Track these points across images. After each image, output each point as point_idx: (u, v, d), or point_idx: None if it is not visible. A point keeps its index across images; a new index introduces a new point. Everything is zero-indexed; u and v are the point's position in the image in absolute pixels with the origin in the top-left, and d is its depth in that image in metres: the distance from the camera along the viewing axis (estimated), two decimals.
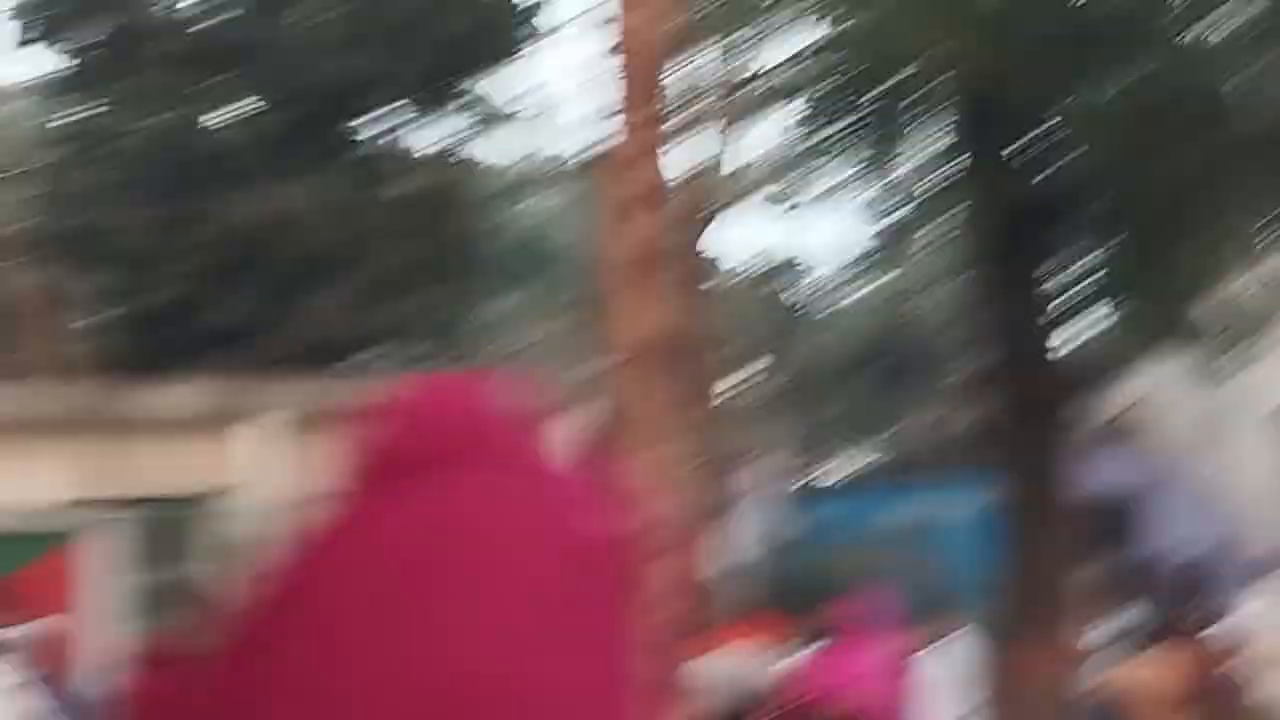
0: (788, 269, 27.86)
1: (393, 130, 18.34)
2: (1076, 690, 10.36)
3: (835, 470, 27.98)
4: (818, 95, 10.88)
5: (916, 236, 19.33)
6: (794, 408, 26.62)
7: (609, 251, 5.98)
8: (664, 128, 6.06)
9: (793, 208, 24.81)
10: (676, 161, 23.91)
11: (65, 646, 10.04)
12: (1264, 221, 11.13)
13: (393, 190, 17.53)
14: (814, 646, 9.85)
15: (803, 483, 25.23)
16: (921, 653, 10.77)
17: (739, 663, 9.72)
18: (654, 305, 5.88)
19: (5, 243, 17.66)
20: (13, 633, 9.33)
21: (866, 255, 27.76)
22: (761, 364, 26.94)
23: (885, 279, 27.52)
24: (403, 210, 17.31)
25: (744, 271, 29.30)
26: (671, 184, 6.34)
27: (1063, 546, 11.27)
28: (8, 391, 13.74)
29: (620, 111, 6.08)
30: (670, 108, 23.07)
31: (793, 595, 10.79)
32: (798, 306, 27.86)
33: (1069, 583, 11.40)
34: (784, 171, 21.74)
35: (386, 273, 17.00)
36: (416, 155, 18.41)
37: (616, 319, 5.92)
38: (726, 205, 25.03)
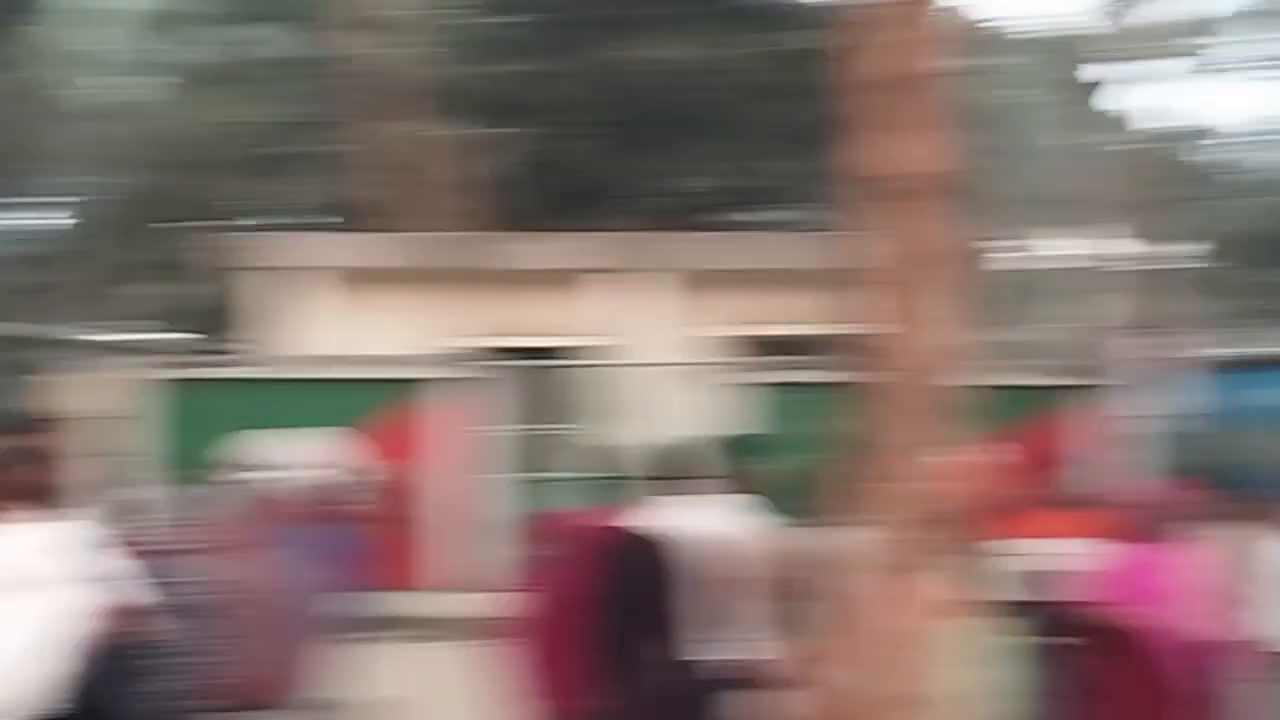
0: (1198, 134, 26.40)
1: None
2: None
3: (1253, 345, 26.48)
4: None
5: None
6: (1212, 277, 25.27)
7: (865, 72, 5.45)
8: None
9: (1203, 71, 23.47)
10: None
11: (409, 494, 10.28)
12: None
13: (776, 45, 17.14)
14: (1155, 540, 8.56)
15: (1218, 356, 23.92)
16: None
17: (1061, 549, 8.65)
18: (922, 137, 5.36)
19: (402, 96, 17.96)
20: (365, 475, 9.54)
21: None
22: (1177, 231, 25.65)
23: None
24: (786, 67, 16.92)
25: (1152, 134, 27.90)
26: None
27: None
28: (377, 241, 14.02)
29: None
30: None
31: (1194, 477, 9.69)
32: (1209, 174, 26.39)
33: None
34: (1193, 31, 20.54)
35: (767, 131, 16.68)
36: (798, 9, 17.96)
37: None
38: (1132, 63, 23.80)
